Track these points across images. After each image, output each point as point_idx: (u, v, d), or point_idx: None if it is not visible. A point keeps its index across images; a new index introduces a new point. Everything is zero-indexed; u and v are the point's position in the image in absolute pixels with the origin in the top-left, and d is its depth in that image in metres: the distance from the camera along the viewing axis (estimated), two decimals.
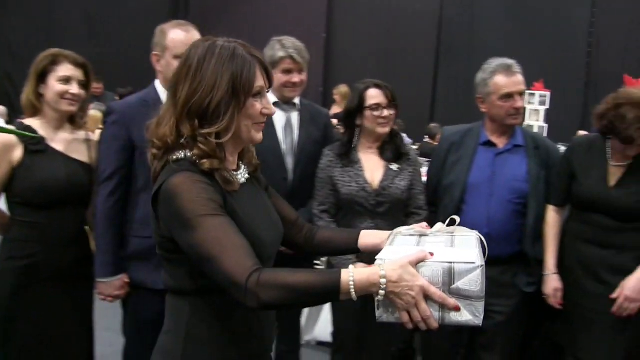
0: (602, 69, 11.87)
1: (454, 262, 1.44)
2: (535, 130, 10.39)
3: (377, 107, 2.90)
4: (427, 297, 1.41)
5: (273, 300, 1.40)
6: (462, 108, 10.34)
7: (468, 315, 1.45)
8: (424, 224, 1.79)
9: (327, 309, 3.49)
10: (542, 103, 11.26)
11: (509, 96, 2.81)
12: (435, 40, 11.93)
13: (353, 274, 1.41)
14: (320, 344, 4.27)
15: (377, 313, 1.48)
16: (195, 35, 2.60)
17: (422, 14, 11.65)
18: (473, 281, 1.43)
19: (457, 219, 1.72)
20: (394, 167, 2.96)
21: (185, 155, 1.59)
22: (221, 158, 1.60)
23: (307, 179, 3.03)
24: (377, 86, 2.93)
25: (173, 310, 1.67)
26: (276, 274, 1.42)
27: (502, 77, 2.83)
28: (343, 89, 8.04)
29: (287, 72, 3.02)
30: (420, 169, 3.10)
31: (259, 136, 1.66)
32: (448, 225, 1.72)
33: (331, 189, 2.94)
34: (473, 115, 3.12)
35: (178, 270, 1.62)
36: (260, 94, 1.63)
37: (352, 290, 1.40)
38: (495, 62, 2.90)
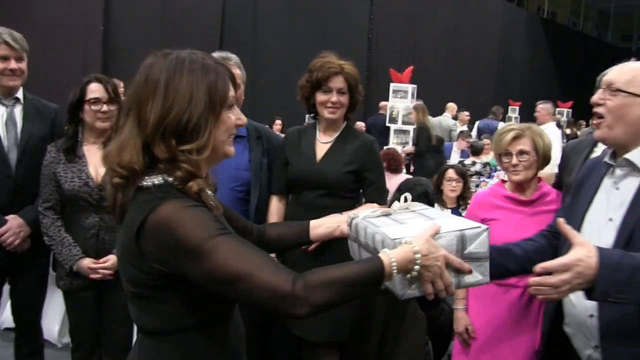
0: (381, 64, 12.66)
1: (464, 229, 1.56)
2: None
3: (97, 101, 2.88)
4: (447, 265, 1.51)
5: (324, 301, 1.38)
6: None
7: (478, 276, 1.58)
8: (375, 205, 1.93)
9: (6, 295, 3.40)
10: None
11: None
12: (218, 38, 11.99)
13: (392, 256, 1.45)
14: (7, 329, 4.23)
15: (401, 291, 1.51)
16: None
17: (204, 8, 11.63)
18: (482, 243, 1.57)
19: (409, 195, 1.86)
20: None
21: (164, 179, 1.46)
22: (202, 177, 1.49)
23: (33, 176, 2.94)
24: (98, 80, 2.91)
25: (154, 353, 1.53)
26: (320, 273, 1.40)
27: None
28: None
29: (4, 59, 2.93)
30: None
31: (232, 149, 1.57)
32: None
33: (55, 185, 2.88)
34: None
35: (165, 308, 1.48)
36: (232, 105, 1.54)
37: (395, 270, 1.45)
38: (215, 54, 2.98)
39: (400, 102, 9.18)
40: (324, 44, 13.76)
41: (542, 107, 8.41)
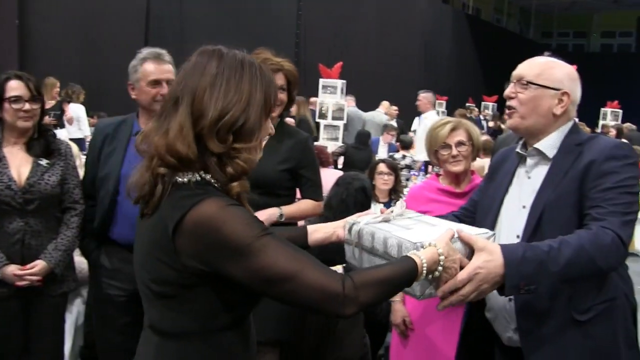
0: (310, 60, 12.64)
1: (473, 234, 1.71)
2: None
3: (18, 99, 2.71)
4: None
5: (370, 299, 1.43)
6: None
7: None
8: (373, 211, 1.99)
9: None
10: None
11: (156, 82, 2.80)
12: (144, 34, 11.69)
13: (423, 257, 1.54)
14: None
15: (419, 291, 1.63)
16: None
17: (127, 6, 11.31)
18: None
19: (404, 203, 1.94)
20: (44, 162, 2.80)
21: (201, 176, 1.43)
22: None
23: None
24: (18, 77, 2.74)
25: (179, 354, 1.47)
26: (365, 273, 1.48)
27: (151, 64, 2.81)
28: (49, 81, 7.83)
29: None
30: (75, 163, 2.96)
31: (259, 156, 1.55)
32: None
33: None
34: None
35: (195, 307, 1.44)
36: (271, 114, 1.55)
37: (425, 270, 1.53)
38: (146, 50, 2.88)
39: (330, 97, 9.18)
40: (251, 40, 13.61)
41: (424, 96, 8.71)
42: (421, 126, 8.66)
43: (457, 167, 2.84)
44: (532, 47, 21.72)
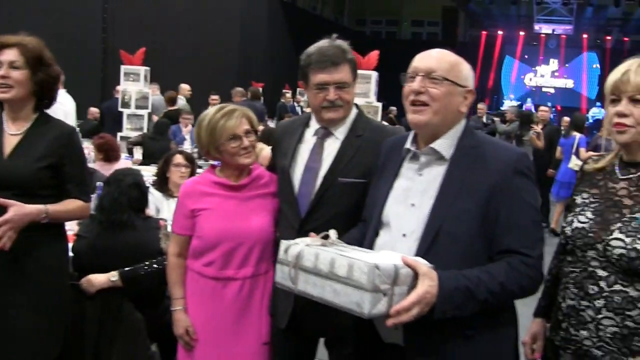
0: (119, 46, 11.83)
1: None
2: None
3: None
4: None
5: None
6: None
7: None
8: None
9: None
10: None
11: None
12: None
13: None
14: None
15: (368, 308, 1.71)
16: None
17: None
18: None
19: (335, 232, 1.99)
20: None
21: None
22: None
23: None
24: None
25: None
26: None
27: None
28: None
29: None
30: None
31: None
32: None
33: None
34: None
35: None
36: None
37: None
38: None
39: (133, 85, 8.70)
40: (56, 24, 12.77)
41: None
42: None
43: (249, 159, 2.64)
44: (347, 34, 22.43)
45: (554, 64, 25.14)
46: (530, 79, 25.97)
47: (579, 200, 2.09)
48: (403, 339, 1.95)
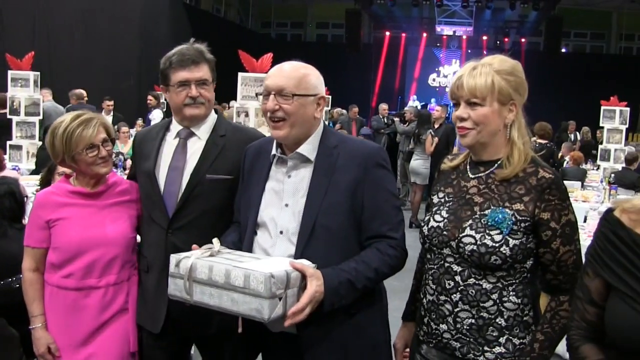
0: (11, 51, 11.29)
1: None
2: None
3: None
4: None
5: None
6: None
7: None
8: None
9: None
10: None
11: None
12: None
13: None
14: None
15: (267, 313, 1.86)
16: None
17: None
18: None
19: (217, 241, 2.13)
20: None
21: None
22: None
23: None
24: None
25: None
26: None
27: None
28: None
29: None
30: None
31: None
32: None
33: None
34: None
35: None
36: None
37: None
38: None
39: (22, 91, 8.31)
40: None
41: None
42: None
43: (107, 168, 2.61)
44: (252, 37, 22.38)
45: (456, 64, 25.93)
46: (434, 80, 26.71)
47: (435, 199, 2.19)
48: (296, 328, 2.07)
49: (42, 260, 2.61)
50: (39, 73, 8.47)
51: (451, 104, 2.21)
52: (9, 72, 8.32)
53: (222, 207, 2.50)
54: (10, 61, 8.38)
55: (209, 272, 1.96)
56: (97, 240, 2.56)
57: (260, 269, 1.87)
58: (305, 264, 2.01)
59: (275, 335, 2.18)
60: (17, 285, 2.96)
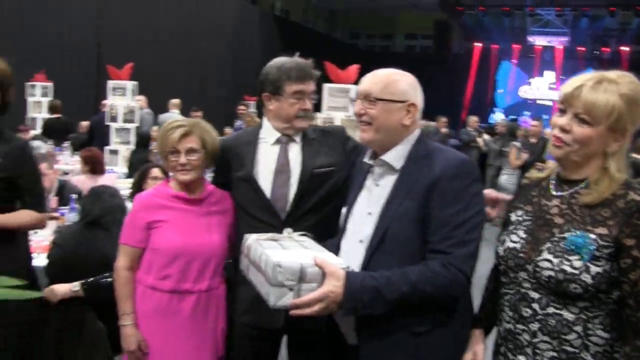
0: (110, 61, 12.01)
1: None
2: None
3: None
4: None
5: None
6: None
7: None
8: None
9: None
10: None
11: None
12: None
13: None
14: None
15: (273, 300, 1.88)
16: None
17: None
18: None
19: (290, 229, 2.24)
20: None
21: None
22: None
23: None
24: None
25: None
26: None
27: None
28: None
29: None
30: None
31: None
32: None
33: None
34: None
35: None
36: None
37: None
38: None
39: (120, 99, 8.77)
40: (50, 40, 12.77)
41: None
42: None
43: (186, 177, 2.64)
44: (340, 47, 22.55)
45: (550, 76, 25.11)
46: (525, 92, 25.99)
47: (513, 217, 2.03)
48: (357, 339, 2.09)
49: (137, 259, 2.68)
50: (136, 83, 8.90)
51: (545, 116, 2.07)
52: (109, 82, 8.80)
53: (329, 196, 2.63)
54: (110, 71, 8.86)
55: (254, 252, 2.08)
56: (197, 246, 2.61)
57: (277, 257, 1.90)
58: (330, 261, 1.93)
59: (348, 349, 2.17)
60: (105, 283, 3.07)
